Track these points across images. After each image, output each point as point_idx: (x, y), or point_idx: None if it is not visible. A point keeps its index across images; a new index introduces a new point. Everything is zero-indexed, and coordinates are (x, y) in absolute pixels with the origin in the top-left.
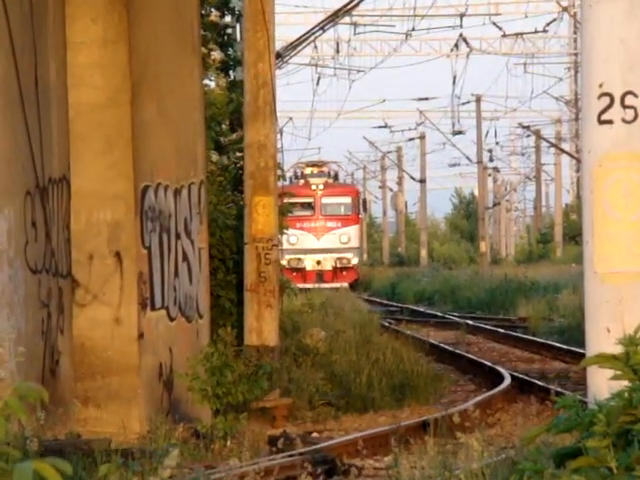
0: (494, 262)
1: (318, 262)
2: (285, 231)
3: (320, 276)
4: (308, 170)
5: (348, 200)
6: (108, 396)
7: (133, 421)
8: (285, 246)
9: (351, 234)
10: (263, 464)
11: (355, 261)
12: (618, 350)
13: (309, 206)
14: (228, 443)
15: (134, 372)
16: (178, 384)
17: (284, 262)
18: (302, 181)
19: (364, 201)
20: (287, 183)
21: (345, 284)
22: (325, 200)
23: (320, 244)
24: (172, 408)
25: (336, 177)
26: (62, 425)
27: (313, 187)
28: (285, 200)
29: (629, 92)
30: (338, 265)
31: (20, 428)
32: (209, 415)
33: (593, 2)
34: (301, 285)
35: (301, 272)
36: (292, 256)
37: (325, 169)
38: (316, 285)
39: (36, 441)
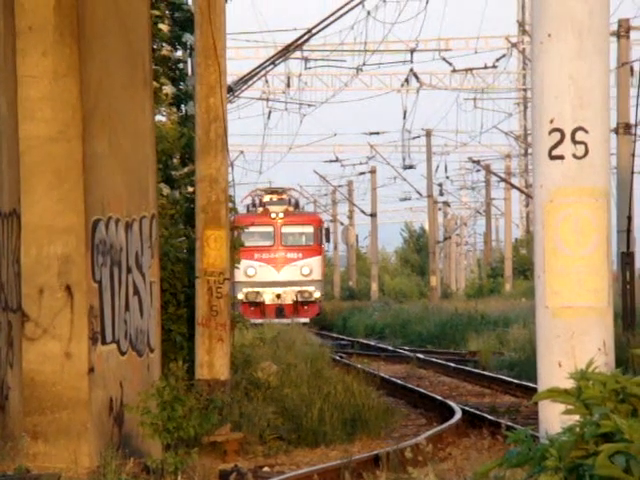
0: (444, 296)
1: (278, 296)
2: (237, 265)
3: (280, 310)
4: (267, 197)
5: (310, 229)
6: (58, 431)
7: (83, 456)
8: (242, 278)
9: (313, 266)
10: None
11: (317, 294)
12: (570, 384)
13: (268, 236)
14: (179, 478)
15: (84, 407)
16: (129, 418)
17: (241, 296)
18: (260, 209)
19: (327, 230)
20: (244, 211)
21: (306, 319)
22: (286, 229)
23: (280, 276)
24: (122, 443)
25: (297, 205)
26: (10, 460)
27: (273, 215)
28: (240, 231)
29: (580, 128)
30: (299, 299)
31: None
32: (160, 450)
33: (544, 39)
34: (260, 320)
35: (260, 306)
36: (250, 289)
37: (285, 196)
38: (276, 320)
39: None
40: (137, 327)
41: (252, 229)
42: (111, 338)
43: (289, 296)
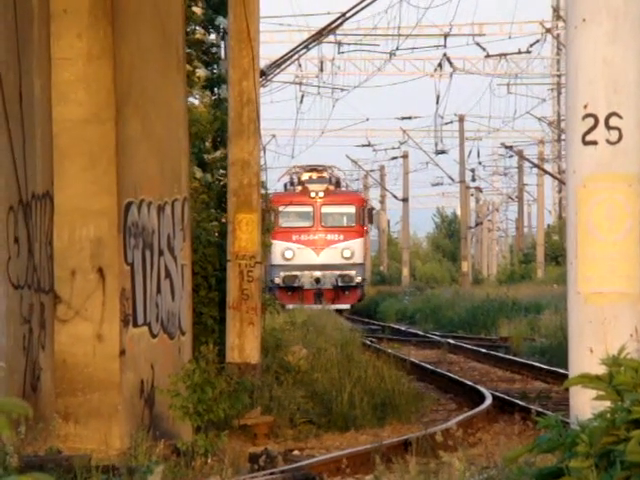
0: (476, 282)
1: (317, 280)
2: (268, 248)
3: (319, 296)
4: (306, 175)
5: (352, 209)
6: (89, 412)
7: (114, 438)
8: (279, 261)
9: (355, 248)
10: None
11: (359, 279)
12: (601, 370)
13: (307, 216)
14: (209, 460)
15: (115, 389)
16: (159, 401)
17: (278, 280)
18: (299, 188)
19: (370, 211)
20: (282, 190)
21: (347, 306)
22: (326, 209)
23: (320, 259)
24: (153, 425)
25: (338, 183)
26: (42, 441)
27: (312, 195)
28: (281, 209)
29: (613, 113)
30: (340, 283)
31: (0, 443)
32: (190, 432)
33: (578, 24)
34: (298, 306)
35: (297, 291)
36: (287, 273)
37: (326, 174)
38: (315, 306)
39: (16, 457)
40: (168, 310)
41: (290, 209)
42: (142, 320)
43: (329, 280)
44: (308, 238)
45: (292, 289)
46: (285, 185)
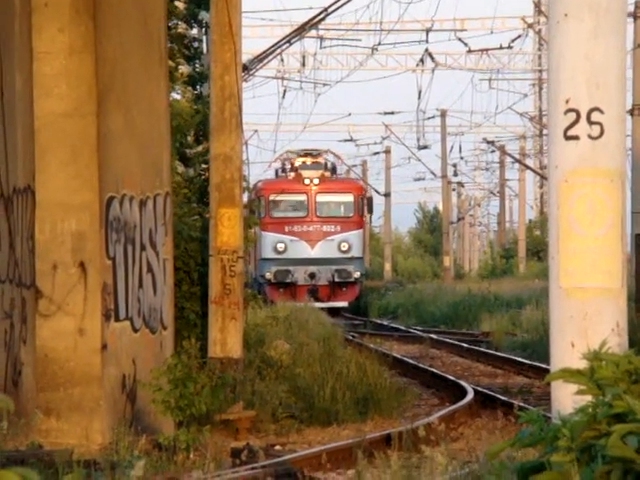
0: (457, 277)
1: (312, 275)
2: (255, 239)
3: (314, 292)
4: (299, 161)
5: (350, 198)
6: (70, 407)
7: (95, 432)
8: (271, 255)
9: (353, 241)
10: (226, 476)
11: (357, 274)
12: (582, 365)
13: (301, 205)
14: (191, 455)
15: (97, 383)
16: (141, 395)
17: (269, 275)
18: (292, 174)
19: (369, 200)
20: (273, 177)
21: (344, 303)
22: (321, 198)
23: (314, 253)
24: (135, 419)
25: (334, 170)
26: (24, 436)
27: (306, 182)
28: (271, 198)
29: (595, 108)
30: (337, 279)
31: None
32: (172, 427)
33: (560, 19)
34: (291, 303)
35: (290, 287)
36: (279, 268)
37: (321, 159)
38: (309, 304)
39: None
40: (150, 304)
41: (282, 197)
42: (124, 315)
43: (324, 276)
44: (302, 229)
45: (284, 285)
46: (276, 171)
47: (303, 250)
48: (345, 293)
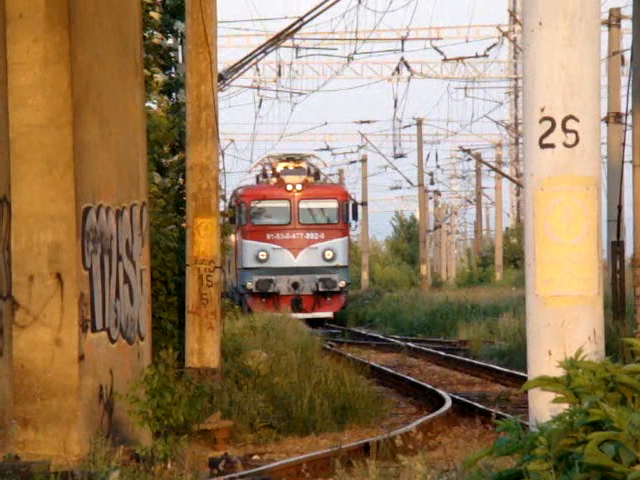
0: (435, 285)
1: (295, 285)
2: (231, 247)
3: (297, 303)
4: (281, 166)
5: (334, 205)
6: (48, 418)
7: (73, 443)
8: (252, 264)
9: (337, 249)
10: None
11: (342, 284)
12: (560, 373)
13: (283, 212)
14: (169, 466)
15: (74, 394)
16: (119, 406)
17: (250, 285)
18: (274, 180)
19: (354, 206)
20: (254, 182)
21: (329, 314)
22: (304, 204)
23: (297, 262)
24: (112, 430)
25: (317, 175)
26: (0, 448)
27: (289, 188)
28: (252, 205)
29: (570, 116)
30: (321, 289)
31: None
32: (149, 438)
33: (535, 27)
34: (273, 313)
35: (273, 297)
36: (261, 277)
37: (304, 164)
38: (293, 315)
39: None
40: (127, 315)
41: (264, 204)
42: (101, 326)
43: (308, 285)
44: (284, 237)
45: (266, 295)
46: (257, 177)
47: (286, 259)
48: (330, 303)
